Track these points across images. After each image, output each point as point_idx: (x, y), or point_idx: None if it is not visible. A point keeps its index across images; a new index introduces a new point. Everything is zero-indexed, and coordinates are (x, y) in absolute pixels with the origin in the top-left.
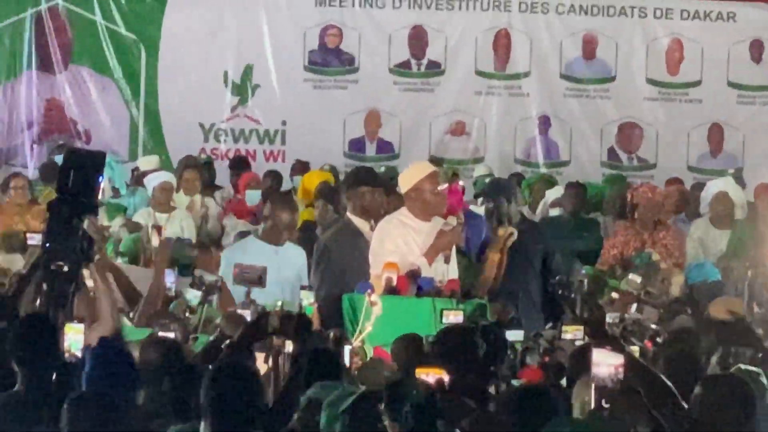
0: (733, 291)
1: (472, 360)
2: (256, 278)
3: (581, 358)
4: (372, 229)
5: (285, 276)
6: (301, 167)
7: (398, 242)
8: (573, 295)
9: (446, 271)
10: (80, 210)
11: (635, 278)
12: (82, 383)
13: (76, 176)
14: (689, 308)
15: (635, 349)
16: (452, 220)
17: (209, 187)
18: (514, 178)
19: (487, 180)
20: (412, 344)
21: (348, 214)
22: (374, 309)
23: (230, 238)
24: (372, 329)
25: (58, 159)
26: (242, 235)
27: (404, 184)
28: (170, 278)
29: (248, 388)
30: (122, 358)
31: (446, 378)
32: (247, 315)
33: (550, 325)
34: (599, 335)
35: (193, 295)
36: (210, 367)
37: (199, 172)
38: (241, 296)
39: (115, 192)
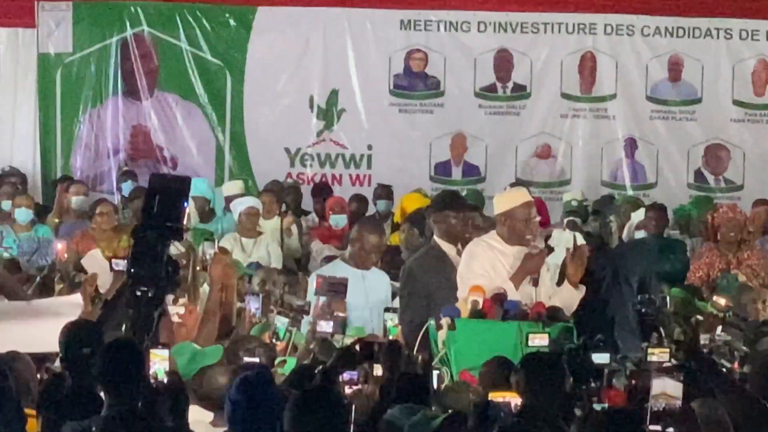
0: None
1: (558, 386)
2: (339, 289)
3: None
4: (458, 253)
5: (373, 300)
6: (383, 191)
7: (485, 265)
8: (660, 317)
9: (534, 294)
10: (165, 235)
11: (720, 299)
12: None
13: (161, 201)
14: None
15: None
16: (540, 244)
17: (296, 211)
18: (605, 199)
19: (576, 201)
20: (501, 368)
21: (435, 237)
22: (440, 333)
23: (317, 262)
24: (459, 353)
25: (125, 186)
26: (329, 259)
27: (499, 206)
28: (254, 305)
29: (334, 414)
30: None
31: (524, 401)
32: (329, 327)
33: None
34: (695, 357)
35: (281, 323)
36: (295, 391)
37: (277, 195)
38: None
39: (210, 215)
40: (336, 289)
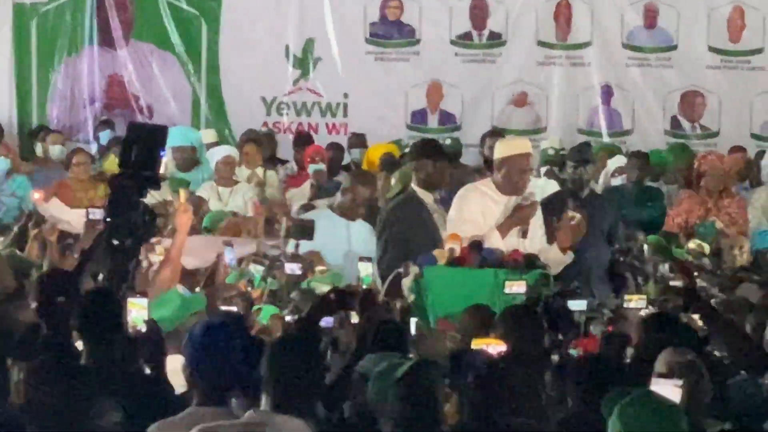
0: None
1: (537, 336)
2: (305, 231)
3: (647, 328)
4: (436, 201)
5: (356, 251)
6: (357, 140)
7: (475, 211)
8: (637, 264)
9: (521, 246)
10: (142, 184)
11: (695, 244)
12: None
13: (138, 150)
14: (755, 275)
15: (697, 317)
16: (532, 196)
17: (271, 160)
18: (582, 146)
19: (553, 150)
20: (480, 315)
21: (412, 185)
22: (404, 281)
23: (293, 211)
24: (436, 301)
25: (103, 135)
26: (305, 207)
27: (499, 152)
28: (230, 255)
29: (309, 363)
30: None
31: (506, 349)
32: (296, 269)
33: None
34: (692, 299)
35: (256, 270)
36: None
37: (259, 145)
38: None
39: (193, 164)
40: (303, 230)
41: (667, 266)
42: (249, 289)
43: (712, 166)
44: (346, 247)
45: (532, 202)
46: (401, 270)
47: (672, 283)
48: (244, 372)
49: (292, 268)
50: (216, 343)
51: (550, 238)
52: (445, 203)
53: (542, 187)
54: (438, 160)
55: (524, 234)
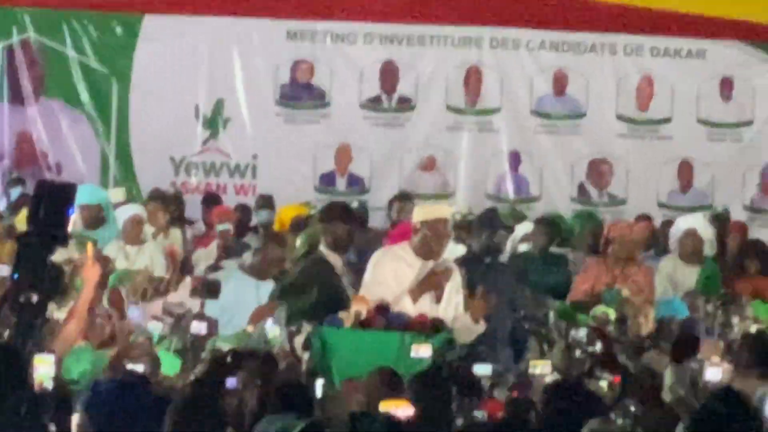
0: (704, 329)
1: (444, 399)
2: (211, 291)
3: (551, 394)
4: (344, 263)
5: None
6: (264, 202)
7: (389, 275)
8: (543, 331)
9: (436, 310)
10: (50, 242)
11: (600, 311)
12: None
13: (47, 208)
14: (659, 344)
15: (603, 385)
16: (446, 262)
17: (179, 220)
18: (489, 212)
19: (460, 215)
20: (385, 378)
21: (321, 248)
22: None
23: (199, 270)
24: (341, 363)
25: (14, 192)
26: (212, 268)
27: (418, 215)
28: (134, 313)
29: (211, 425)
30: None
31: (413, 412)
32: (202, 328)
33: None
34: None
35: (155, 327)
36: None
37: (164, 204)
38: None
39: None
40: (209, 289)
41: (582, 332)
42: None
43: (621, 234)
44: (255, 307)
45: (446, 268)
46: (293, 329)
47: (589, 348)
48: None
49: (198, 328)
50: (118, 402)
51: (467, 304)
52: (353, 266)
53: (451, 251)
54: (347, 222)
55: (438, 299)
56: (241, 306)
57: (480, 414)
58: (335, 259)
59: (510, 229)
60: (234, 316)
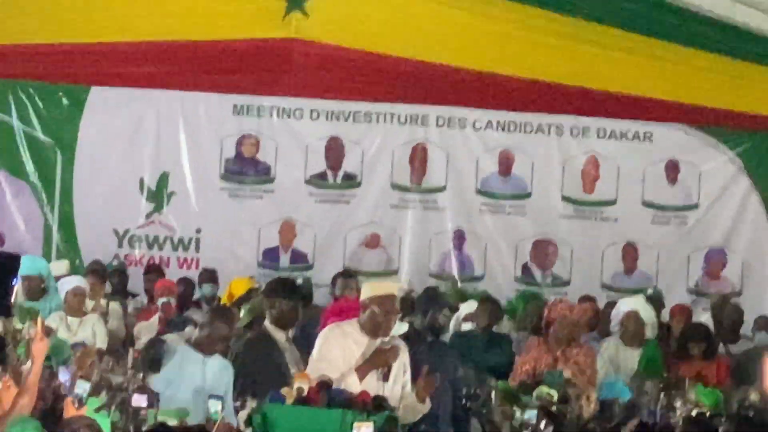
0: (647, 412)
1: None
2: (153, 364)
3: None
4: (287, 339)
5: (209, 387)
6: (208, 275)
7: (335, 352)
8: (485, 411)
9: (382, 388)
10: None
11: (549, 392)
12: None
13: None
14: (601, 426)
15: None
16: (394, 340)
17: (122, 293)
18: (431, 291)
19: (402, 291)
20: None
21: (266, 323)
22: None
23: (141, 343)
24: None
25: None
26: (154, 342)
27: (365, 292)
28: (63, 376)
29: None
30: None
31: None
32: (143, 401)
33: None
34: None
35: (83, 388)
36: None
37: (102, 277)
38: None
39: (41, 293)
40: (151, 362)
41: (531, 413)
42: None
43: (562, 315)
44: (200, 382)
45: (394, 346)
46: (237, 404)
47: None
48: None
49: (139, 401)
50: None
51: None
52: (297, 342)
53: (395, 329)
54: (291, 299)
55: (385, 377)
56: (186, 379)
57: None
58: (279, 335)
59: (453, 308)
60: (178, 390)
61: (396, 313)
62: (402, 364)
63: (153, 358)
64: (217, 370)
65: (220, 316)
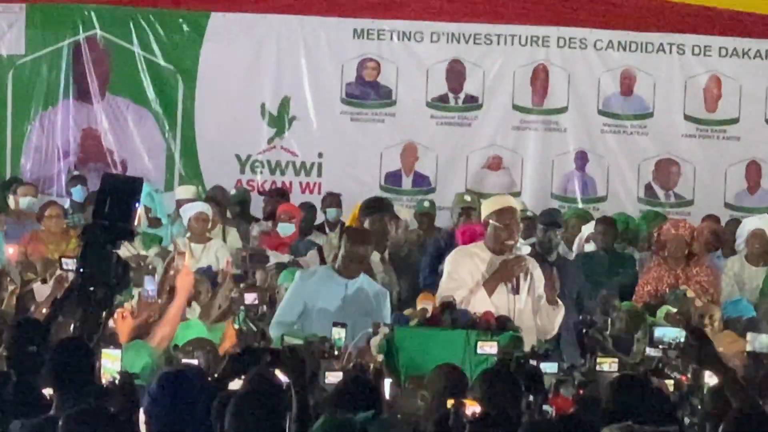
0: None
1: (515, 398)
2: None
3: (617, 389)
4: (382, 260)
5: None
6: (332, 200)
7: (462, 273)
8: (601, 337)
9: (513, 302)
10: (115, 235)
11: (671, 310)
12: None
13: (112, 201)
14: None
15: (670, 383)
16: (524, 250)
17: (244, 218)
18: (547, 212)
19: (527, 213)
20: (449, 375)
21: None
22: (373, 340)
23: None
24: (407, 361)
25: (75, 191)
26: (279, 266)
27: (485, 210)
28: (150, 285)
29: (269, 419)
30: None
31: (480, 409)
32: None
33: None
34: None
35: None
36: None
37: (219, 204)
38: None
39: (157, 222)
40: (258, 259)
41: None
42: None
43: (670, 234)
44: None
45: (517, 257)
46: (370, 330)
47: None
48: (198, 421)
49: (249, 299)
50: (170, 393)
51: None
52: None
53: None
54: (377, 216)
55: (514, 290)
56: (327, 302)
57: (548, 410)
58: (373, 256)
59: (575, 229)
60: (316, 313)
61: (517, 225)
62: (533, 278)
63: (258, 255)
64: (360, 293)
65: (358, 240)
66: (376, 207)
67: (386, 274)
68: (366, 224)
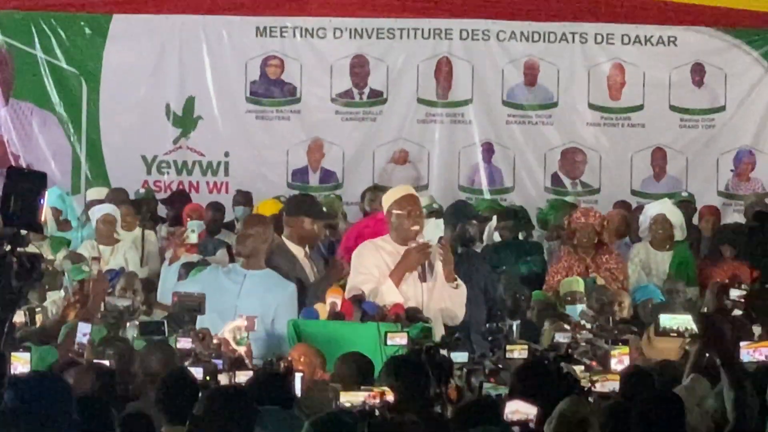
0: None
1: (422, 384)
2: (196, 306)
3: (524, 375)
4: (306, 255)
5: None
6: (242, 198)
7: (369, 266)
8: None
9: (422, 290)
10: (21, 233)
11: (588, 311)
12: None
13: (16, 196)
14: (635, 328)
15: (579, 368)
16: (423, 239)
17: (153, 220)
18: (459, 204)
19: (434, 206)
20: (355, 363)
21: (283, 237)
22: None
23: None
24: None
25: None
26: (186, 266)
27: (385, 202)
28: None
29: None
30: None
31: (392, 398)
32: (188, 343)
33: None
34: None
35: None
36: None
37: (132, 206)
38: None
39: (66, 225)
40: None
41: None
42: None
43: (580, 223)
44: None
45: (420, 244)
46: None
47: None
48: None
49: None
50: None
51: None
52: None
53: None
54: (315, 219)
55: (422, 278)
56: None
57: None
58: (297, 251)
59: (486, 220)
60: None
61: (419, 213)
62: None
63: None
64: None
65: (254, 223)
66: (309, 210)
67: (311, 270)
68: (297, 223)
